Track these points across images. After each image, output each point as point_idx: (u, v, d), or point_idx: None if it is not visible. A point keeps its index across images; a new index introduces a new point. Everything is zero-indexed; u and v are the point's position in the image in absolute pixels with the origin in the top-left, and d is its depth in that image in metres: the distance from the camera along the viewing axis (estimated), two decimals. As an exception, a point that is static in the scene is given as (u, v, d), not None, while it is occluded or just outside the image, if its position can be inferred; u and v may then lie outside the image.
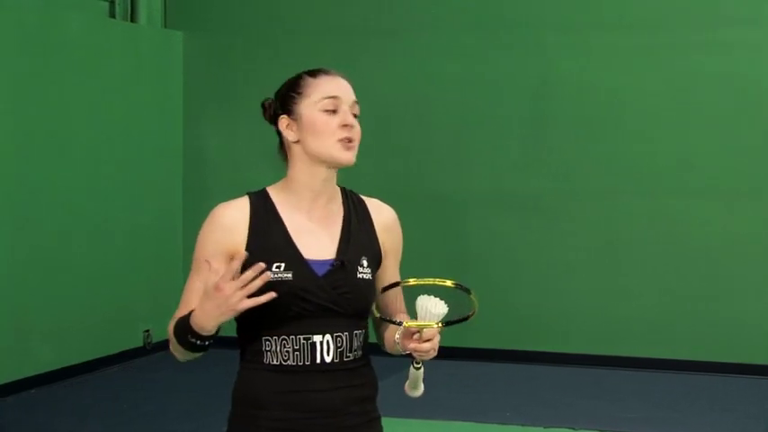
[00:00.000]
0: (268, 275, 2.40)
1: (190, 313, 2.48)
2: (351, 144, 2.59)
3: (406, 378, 2.62)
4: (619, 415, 6.82)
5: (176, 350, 2.57)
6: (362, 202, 2.73)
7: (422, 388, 2.62)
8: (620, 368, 8.11)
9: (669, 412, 6.92)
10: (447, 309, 2.45)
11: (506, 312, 8.27)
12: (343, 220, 2.65)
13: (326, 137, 2.57)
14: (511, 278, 8.44)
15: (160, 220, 8.88)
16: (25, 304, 7.46)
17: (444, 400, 7.00)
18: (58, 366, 7.73)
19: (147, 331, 8.62)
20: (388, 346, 2.67)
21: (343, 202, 2.69)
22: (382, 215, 2.73)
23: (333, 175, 2.64)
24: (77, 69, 7.95)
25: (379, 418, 2.69)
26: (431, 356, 2.50)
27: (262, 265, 2.39)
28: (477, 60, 8.52)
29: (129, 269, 8.45)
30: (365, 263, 2.63)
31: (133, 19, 8.92)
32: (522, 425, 6.55)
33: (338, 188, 2.70)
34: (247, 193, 2.64)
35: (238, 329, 2.63)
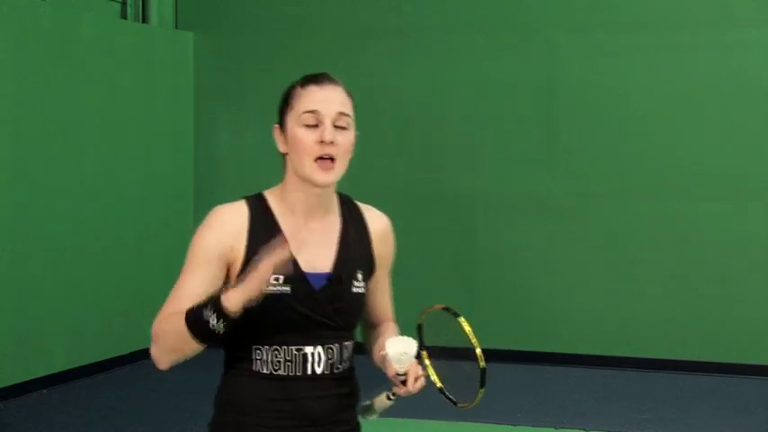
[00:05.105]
0: (286, 254, 2.33)
1: (209, 297, 2.40)
2: (329, 164, 2.50)
3: (370, 399, 2.61)
4: (630, 416, 6.81)
5: (173, 345, 2.54)
6: (359, 210, 2.68)
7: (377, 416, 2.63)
8: (632, 369, 8.09)
9: (681, 413, 6.91)
10: (416, 344, 2.49)
11: (517, 313, 8.25)
12: (341, 232, 2.60)
13: (304, 154, 2.50)
14: (522, 279, 8.42)
15: (171, 221, 8.89)
16: (37, 305, 7.48)
17: (455, 401, 6.99)
18: (70, 366, 7.75)
19: (159, 332, 8.62)
20: (375, 359, 2.64)
21: (341, 212, 2.63)
22: (378, 225, 2.68)
23: (326, 190, 2.57)
24: (89, 70, 7.97)
25: (359, 426, 2.68)
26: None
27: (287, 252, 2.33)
28: (488, 61, 8.51)
29: (140, 269, 8.47)
30: (360, 276, 2.60)
31: (144, 20, 8.94)
32: (534, 426, 6.55)
33: (336, 196, 2.64)
34: (244, 198, 2.59)
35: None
